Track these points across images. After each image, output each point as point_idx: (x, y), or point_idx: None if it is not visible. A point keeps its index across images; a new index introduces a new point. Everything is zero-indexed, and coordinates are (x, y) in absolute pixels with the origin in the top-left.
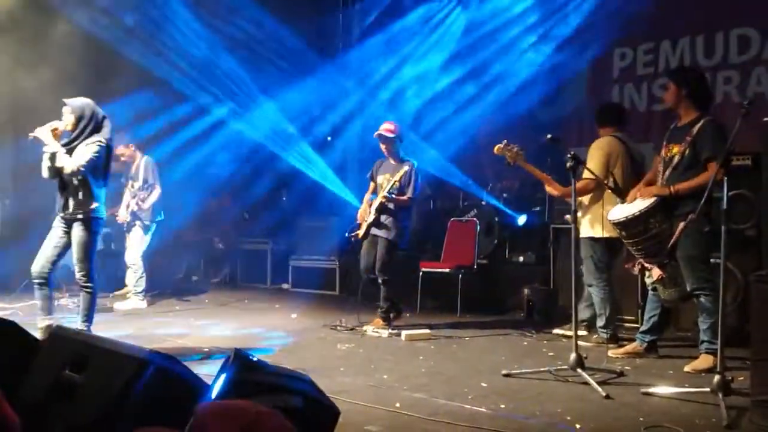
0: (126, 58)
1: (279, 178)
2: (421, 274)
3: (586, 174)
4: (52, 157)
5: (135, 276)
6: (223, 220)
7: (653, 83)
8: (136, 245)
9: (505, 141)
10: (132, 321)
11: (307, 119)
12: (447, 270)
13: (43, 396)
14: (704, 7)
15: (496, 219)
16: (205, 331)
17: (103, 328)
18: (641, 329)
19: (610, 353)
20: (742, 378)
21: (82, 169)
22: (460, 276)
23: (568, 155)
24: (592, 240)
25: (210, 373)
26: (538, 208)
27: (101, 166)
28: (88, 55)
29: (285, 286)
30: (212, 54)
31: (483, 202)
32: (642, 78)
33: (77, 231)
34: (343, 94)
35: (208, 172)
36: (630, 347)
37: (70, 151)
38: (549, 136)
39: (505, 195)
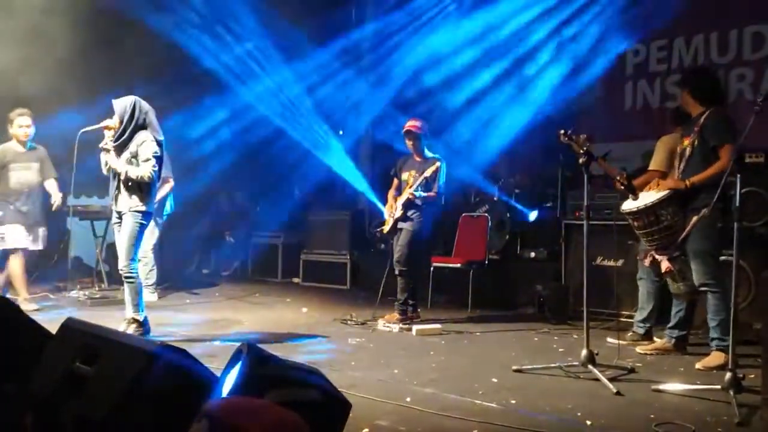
0: (132, 43)
1: (291, 171)
2: (432, 269)
3: (651, 166)
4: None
5: (145, 269)
6: (234, 213)
7: (666, 80)
8: (146, 238)
9: (566, 130)
10: None
11: (321, 111)
12: (458, 265)
13: (53, 388)
14: (718, 5)
15: (508, 214)
16: (215, 325)
17: (113, 321)
18: (668, 325)
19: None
20: (753, 375)
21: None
22: (471, 271)
23: (581, 151)
24: None
25: (220, 366)
26: (549, 204)
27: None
28: (92, 42)
29: (296, 280)
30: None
31: (494, 198)
32: (655, 75)
33: (128, 222)
34: (355, 84)
35: (218, 163)
36: (659, 343)
37: (119, 147)
38: (562, 131)
39: (516, 190)
